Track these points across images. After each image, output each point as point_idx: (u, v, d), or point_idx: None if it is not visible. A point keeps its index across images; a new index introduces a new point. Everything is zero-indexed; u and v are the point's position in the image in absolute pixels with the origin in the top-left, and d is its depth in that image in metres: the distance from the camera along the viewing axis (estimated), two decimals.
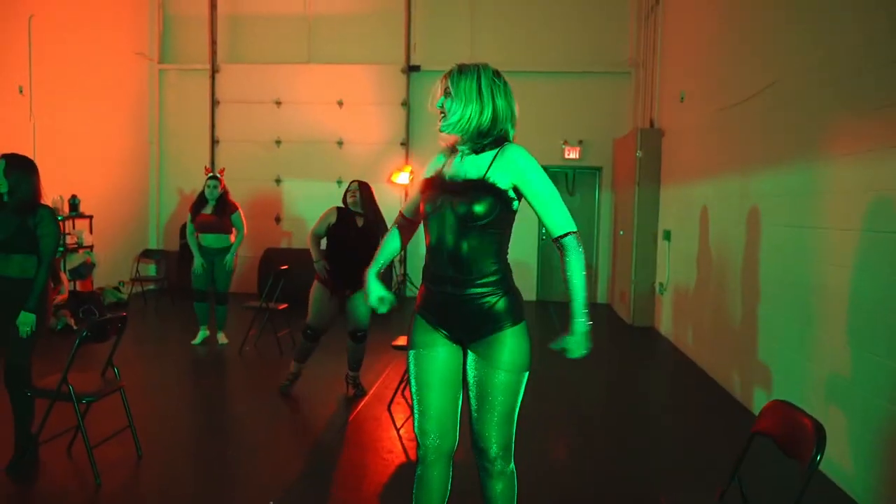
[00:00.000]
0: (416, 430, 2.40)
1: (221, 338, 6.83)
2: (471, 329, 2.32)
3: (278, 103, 10.57)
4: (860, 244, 3.63)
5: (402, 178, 10.18)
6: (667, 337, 7.81)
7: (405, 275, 10.49)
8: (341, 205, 5.07)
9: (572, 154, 10.33)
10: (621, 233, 9.28)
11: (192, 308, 7.16)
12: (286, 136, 10.60)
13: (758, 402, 4.94)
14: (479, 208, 2.21)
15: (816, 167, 4.19)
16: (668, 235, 7.92)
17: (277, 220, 10.72)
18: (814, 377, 4.09)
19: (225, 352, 6.59)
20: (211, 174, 6.77)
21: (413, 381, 2.41)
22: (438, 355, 2.37)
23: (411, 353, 2.42)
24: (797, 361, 4.33)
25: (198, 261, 6.54)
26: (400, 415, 4.79)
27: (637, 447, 4.40)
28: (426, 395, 2.37)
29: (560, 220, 2.26)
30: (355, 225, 4.99)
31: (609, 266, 10.36)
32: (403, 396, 5.10)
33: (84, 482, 3.53)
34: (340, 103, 10.50)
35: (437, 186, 2.33)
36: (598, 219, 10.54)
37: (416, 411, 2.40)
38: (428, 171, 2.44)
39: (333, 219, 4.98)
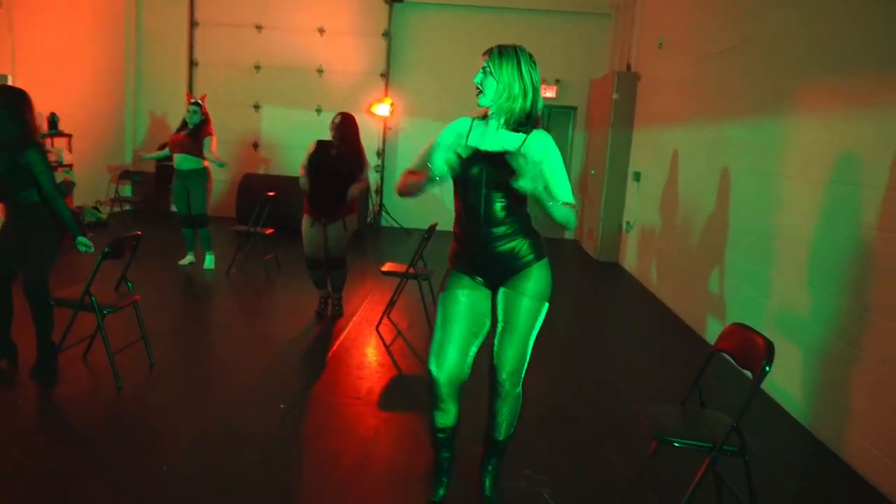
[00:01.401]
0: (430, 358, 2.65)
1: (209, 261, 7.02)
2: (505, 271, 2.66)
3: (259, 27, 10.50)
4: (822, 195, 4.04)
5: (382, 109, 10.31)
6: (630, 272, 8.30)
7: (381, 205, 10.74)
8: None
9: (548, 93, 10.55)
10: (593, 172, 9.64)
11: (170, 230, 7.33)
12: (266, 62, 10.58)
13: (712, 331, 5.43)
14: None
15: (787, 121, 4.55)
16: (637, 177, 8.31)
17: (255, 145, 10.79)
18: (768, 312, 4.56)
19: (213, 274, 6.84)
20: (193, 101, 6.82)
21: (439, 318, 2.69)
22: (468, 295, 2.67)
23: (442, 294, 2.71)
24: (754, 298, 4.80)
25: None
26: (387, 335, 5.17)
27: (607, 371, 4.86)
28: (450, 328, 2.64)
29: (566, 192, 2.62)
30: (330, 155, 5.20)
31: (578, 204, 10.75)
32: (390, 318, 5.47)
33: (105, 386, 3.84)
34: (321, 31, 10.48)
35: (475, 154, 2.57)
36: (570, 158, 10.86)
37: (435, 344, 2.65)
38: (452, 135, 2.67)
39: (312, 149, 5.21)
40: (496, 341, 2.70)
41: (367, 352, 4.77)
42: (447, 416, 2.72)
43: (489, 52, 2.58)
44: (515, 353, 2.68)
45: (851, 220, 3.64)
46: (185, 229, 6.96)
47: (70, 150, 8.97)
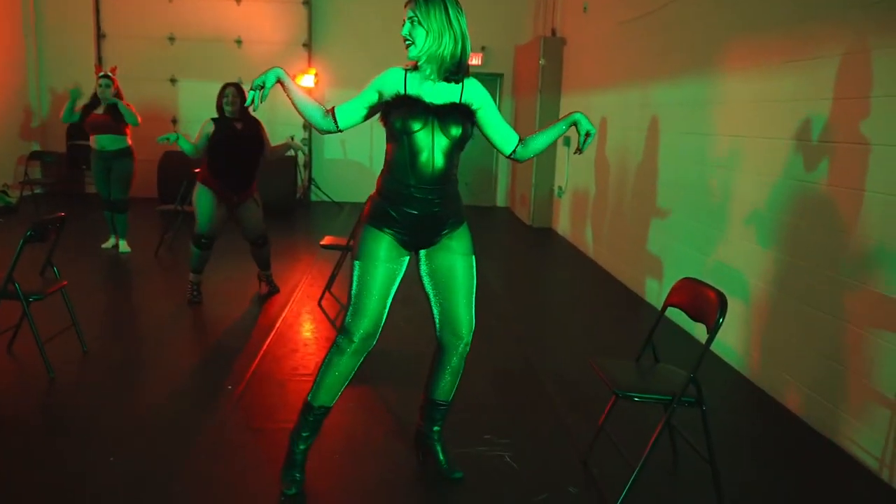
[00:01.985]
0: (347, 325, 2.55)
1: (123, 245, 6.70)
2: (436, 232, 2.61)
3: None
4: (746, 149, 4.17)
5: (307, 80, 10.03)
6: (564, 236, 8.43)
7: (311, 179, 10.51)
8: (215, 115, 5.00)
9: (474, 60, 10.50)
10: None
11: (89, 211, 6.96)
12: (180, 33, 10.10)
13: (650, 290, 5.59)
14: (465, 131, 2.50)
15: (712, 80, 4.67)
16: (567, 142, 8.40)
17: (174, 121, 10.34)
18: (702, 267, 4.71)
19: (140, 256, 6.55)
20: (102, 73, 6.39)
21: (357, 286, 2.54)
22: (389, 268, 2.55)
23: (360, 263, 2.53)
24: (688, 254, 4.94)
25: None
26: (331, 310, 5.08)
27: (550, 334, 4.93)
28: (369, 300, 2.53)
29: (512, 131, 2.66)
30: (236, 131, 4.97)
31: (508, 171, 10.82)
32: (331, 293, 5.37)
33: (36, 375, 3.62)
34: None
35: (421, 107, 2.44)
36: None
37: (353, 311, 2.55)
38: (387, 86, 2.50)
39: (211, 129, 4.91)
40: (440, 304, 2.68)
41: (311, 328, 4.68)
42: (333, 395, 2.64)
43: (414, 1, 2.46)
44: (470, 311, 2.69)
45: (775, 172, 3.77)
46: (107, 212, 6.62)
47: None
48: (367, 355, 2.60)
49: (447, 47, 2.42)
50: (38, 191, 9.73)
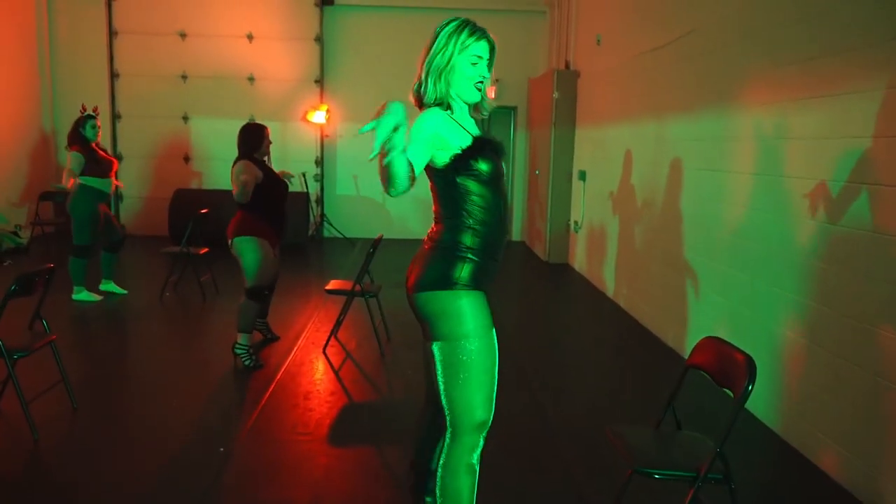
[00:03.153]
0: (482, 422, 2.22)
1: (111, 286, 6.56)
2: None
3: (183, 35, 10.01)
4: (768, 189, 3.93)
5: (318, 116, 9.96)
6: (581, 273, 8.18)
7: (323, 215, 10.39)
8: (255, 157, 4.66)
9: (490, 94, 10.37)
10: (537, 172, 9.51)
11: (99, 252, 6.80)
12: (193, 71, 10.10)
13: (672, 334, 5.32)
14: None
15: (729, 114, 4.45)
16: (583, 176, 8.20)
17: (186, 159, 10.30)
18: (725, 311, 4.45)
19: (144, 301, 6.41)
20: (88, 113, 6.19)
21: (482, 370, 2.19)
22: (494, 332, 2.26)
23: (480, 341, 2.17)
24: (709, 296, 4.69)
25: (93, 200, 6.06)
26: (335, 357, 4.87)
27: (566, 380, 4.67)
28: (494, 380, 2.24)
29: None
30: (273, 173, 4.76)
31: (524, 205, 10.62)
32: (337, 339, 5.17)
33: (19, 438, 3.44)
34: (250, 37, 10.07)
35: (496, 148, 2.21)
36: (512, 158, 10.73)
37: (484, 403, 2.20)
38: (444, 129, 2.13)
39: (261, 173, 4.61)
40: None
41: (314, 378, 4.47)
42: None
43: (488, 39, 2.24)
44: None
45: (801, 213, 3.53)
46: (108, 254, 6.48)
47: None
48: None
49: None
50: (52, 231, 9.69)
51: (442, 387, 2.19)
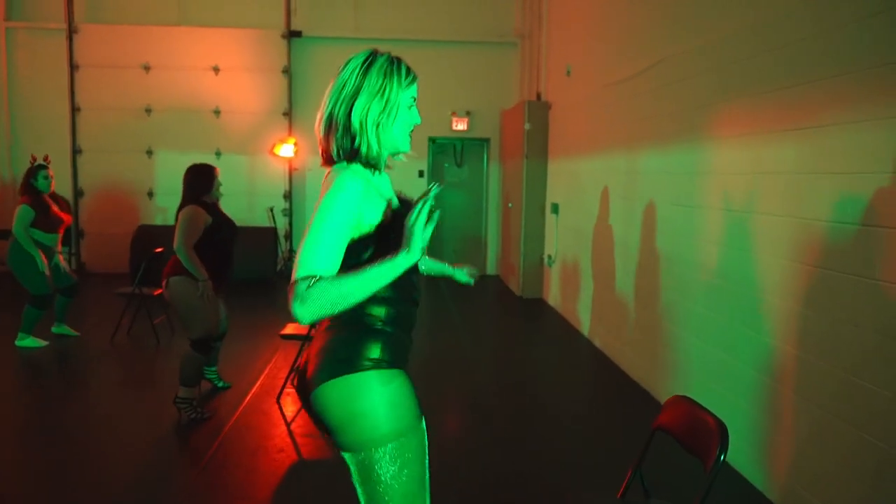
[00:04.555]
0: None
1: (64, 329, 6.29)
2: None
3: (147, 68, 9.76)
4: (743, 226, 3.73)
5: (286, 150, 9.73)
6: (555, 308, 7.94)
7: (291, 251, 10.10)
8: (204, 200, 4.34)
9: (460, 125, 10.24)
10: (510, 205, 9.31)
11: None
12: (157, 105, 9.83)
13: (647, 377, 5.08)
14: None
15: (700, 147, 4.27)
16: (556, 209, 8.01)
17: (150, 194, 9.99)
18: (703, 355, 4.21)
19: (97, 343, 6.06)
20: (39, 163, 5.88)
21: (421, 472, 1.79)
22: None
23: (415, 435, 1.77)
24: (685, 338, 4.45)
25: (41, 261, 5.70)
26: (290, 407, 4.56)
27: (534, 435, 4.39)
28: (427, 491, 1.84)
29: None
30: (224, 218, 4.45)
31: (498, 238, 10.41)
32: (293, 385, 4.86)
33: None
34: (216, 69, 9.85)
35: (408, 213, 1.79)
36: (486, 190, 10.54)
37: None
38: (367, 203, 1.75)
39: (210, 219, 4.30)
40: None
41: (264, 433, 4.15)
42: None
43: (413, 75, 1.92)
44: None
45: (781, 252, 3.32)
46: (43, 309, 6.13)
47: None
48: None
49: None
50: None
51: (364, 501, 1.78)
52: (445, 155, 10.56)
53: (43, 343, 5.92)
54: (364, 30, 9.96)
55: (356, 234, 1.74)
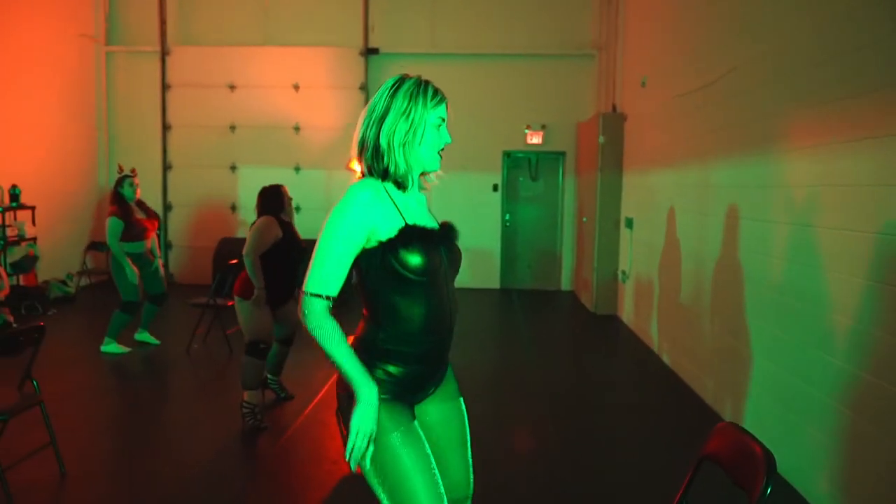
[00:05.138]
0: None
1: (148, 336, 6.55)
2: (441, 378, 2.09)
3: (232, 87, 10.18)
4: (814, 241, 3.49)
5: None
6: (629, 326, 7.70)
7: None
8: (279, 217, 4.55)
9: (535, 139, 10.14)
10: (584, 219, 9.13)
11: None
12: (241, 122, 10.23)
13: (716, 398, 4.83)
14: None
15: (770, 159, 4.04)
16: (630, 223, 7.79)
17: (233, 208, 10.38)
18: (772, 377, 3.97)
19: (175, 352, 6.31)
20: (126, 173, 6.19)
21: (425, 461, 1.87)
22: (417, 427, 1.95)
23: (394, 435, 1.86)
24: (755, 359, 4.21)
25: (131, 270, 5.99)
26: None
27: (597, 455, 4.24)
28: (432, 467, 1.90)
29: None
30: (293, 231, 4.64)
31: (573, 253, 10.22)
32: None
33: None
34: (297, 87, 10.15)
35: (430, 236, 1.90)
36: (562, 205, 10.38)
37: (430, 492, 1.86)
38: (378, 215, 1.85)
39: (281, 234, 4.49)
40: (452, 466, 2.09)
41: (321, 443, 4.19)
42: None
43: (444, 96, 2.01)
44: (467, 464, 2.13)
45: (858, 271, 3.08)
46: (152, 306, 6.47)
47: (34, 223, 8.57)
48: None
49: None
50: (93, 281, 9.85)
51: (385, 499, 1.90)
52: (520, 169, 10.47)
53: (126, 349, 6.21)
54: (439, 45, 10.05)
55: (371, 239, 1.86)
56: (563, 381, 5.84)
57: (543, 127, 10.12)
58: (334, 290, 1.84)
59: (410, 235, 1.84)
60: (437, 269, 1.91)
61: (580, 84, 10.03)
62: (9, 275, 7.99)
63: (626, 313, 7.90)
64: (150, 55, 10.21)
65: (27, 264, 8.31)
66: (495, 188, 10.22)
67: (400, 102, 1.91)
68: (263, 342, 4.47)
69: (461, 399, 2.14)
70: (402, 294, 1.88)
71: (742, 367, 4.40)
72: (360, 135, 1.97)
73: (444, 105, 1.98)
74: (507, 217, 10.41)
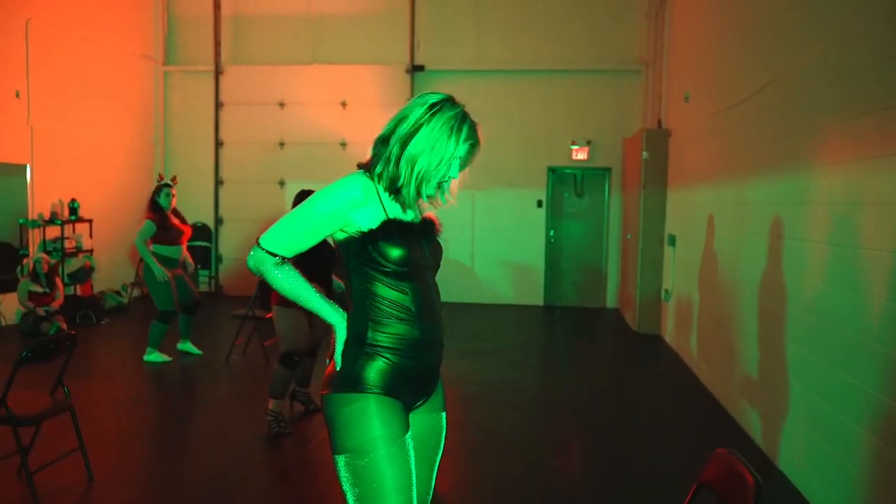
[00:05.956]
0: None
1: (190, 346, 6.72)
2: (432, 388, 2.05)
3: (282, 105, 10.45)
4: (841, 260, 3.35)
5: None
6: (671, 346, 7.52)
7: None
8: None
9: (580, 155, 10.05)
10: (628, 236, 8.98)
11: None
12: (289, 138, 10.48)
13: (748, 420, 4.66)
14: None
15: (803, 175, 3.90)
16: (672, 240, 7.62)
17: None
18: (801, 400, 3.81)
19: (215, 362, 6.47)
20: (165, 182, 6.40)
21: (406, 482, 1.86)
22: (408, 441, 1.92)
23: (381, 451, 1.83)
24: (785, 380, 4.05)
25: (159, 270, 6.14)
26: None
27: (622, 475, 4.15)
28: (413, 487, 1.88)
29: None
30: (332, 247, 4.68)
31: (618, 271, 10.06)
32: None
33: None
34: (344, 104, 10.35)
35: (410, 230, 1.92)
36: (607, 221, 10.24)
37: None
38: (361, 204, 1.89)
39: None
40: (425, 474, 2.06)
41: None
42: None
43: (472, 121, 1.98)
44: (432, 480, 2.10)
45: (888, 293, 2.94)
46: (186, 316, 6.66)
47: (91, 235, 8.95)
48: None
49: None
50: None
51: None
52: (565, 185, 10.39)
53: (167, 359, 6.39)
54: (484, 61, 10.10)
55: (346, 231, 1.91)
56: (596, 401, 5.73)
57: (589, 143, 10.03)
58: (288, 254, 1.91)
59: (391, 228, 1.87)
60: (419, 263, 1.93)
61: (626, 99, 9.91)
62: (66, 285, 8.36)
63: (669, 333, 7.71)
64: (205, 74, 10.58)
65: (83, 275, 8.67)
66: (539, 204, 10.17)
67: (434, 132, 1.88)
68: (298, 354, 4.55)
69: (444, 413, 2.11)
70: (386, 285, 1.90)
71: (776, 390, 4.23)
72: (381, 137, 1.97)
73: (470, 146, 1.95)
74: (552, 233, 10.33)
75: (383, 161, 1.93)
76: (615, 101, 9.94)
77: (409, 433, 1.92)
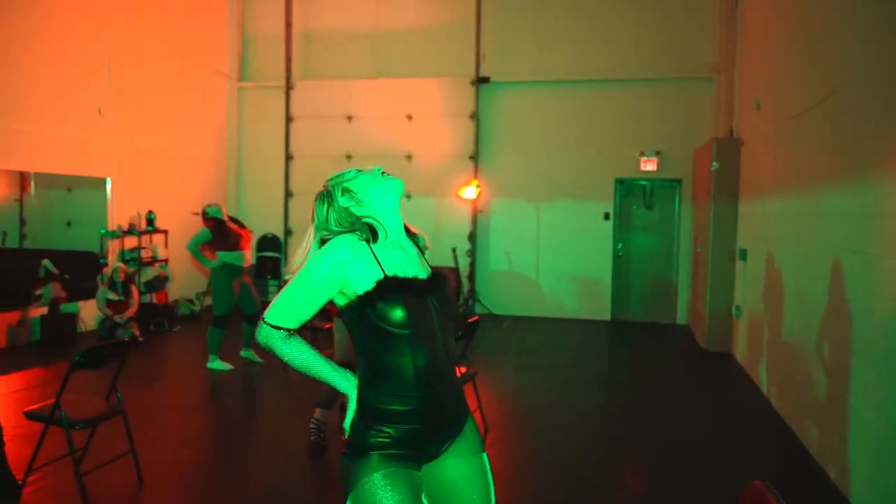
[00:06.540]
0: None
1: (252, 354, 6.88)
2: (455, 431, 1.98)
3: (349, 118, 10.62)
4: None
5: (469, 192, 9.96)
6: (742, 365, 7.16)
7: (473, 292, 10.24)
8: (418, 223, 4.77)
9: (649, 166, 9.77)
10: (698, 250, 8.65)
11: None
12: (357, 151, 10.62)
13: (818, 447, 4.36)
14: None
15: (875, 184, 3.63)
16: (743, 255, 7.28)
17: None
18: (871, 428, 3.53)
19: (274, 371, 6.59)
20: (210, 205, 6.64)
21: None
22: (413, 474, 1.86)
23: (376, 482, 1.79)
24: (855, 407, 3.77)
25: (204, 260, 6.44)
26: None
27: (682, 499, 3.96)
28: None
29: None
30: None
31: (689, 286, 9.70)
32: None
33: None
34: (410, 117, 10.43)
35: (411, 286, 1.87)
36: (678, 235, 9.91)
37: None
38: (355, 264, 1.86)
39: None
40: None
41: None
42: None
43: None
44: None
45: None
46: (249, 325, 6.83)
47: (166, 245, 9.31)
48: None
49: None
50: None
51: None
52: (634, 196, 10.12)
53: (229, 367, 6.55)
54: (549, 72, 9.99)
55: (345, 293, 1.88)
56: (654, 421, 5.50)
57: (658, 153, 9.75)
58: (293, 325, 1.90)
59: (388, 287, 1.83)
60: (423, 321, 1.86)
61: (697, 108, 9.58)
62: (141, 293, 8.71)
63: (741, 351, 7.35)
64: (276, 90, 10.88)
65: (158, 284, 9.02)
66: (607, 216, 9.94)
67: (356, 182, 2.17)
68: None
69: (484, 455, 2.03)
70: (387, 349, 1.85)
71: (845, 415, 3.95)
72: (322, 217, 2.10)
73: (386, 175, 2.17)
74: (620, 246, 10.08)
75: (336, 214, 2.02)
76: (685, 110, 9.63)
77: (430, 480, 1.92)
